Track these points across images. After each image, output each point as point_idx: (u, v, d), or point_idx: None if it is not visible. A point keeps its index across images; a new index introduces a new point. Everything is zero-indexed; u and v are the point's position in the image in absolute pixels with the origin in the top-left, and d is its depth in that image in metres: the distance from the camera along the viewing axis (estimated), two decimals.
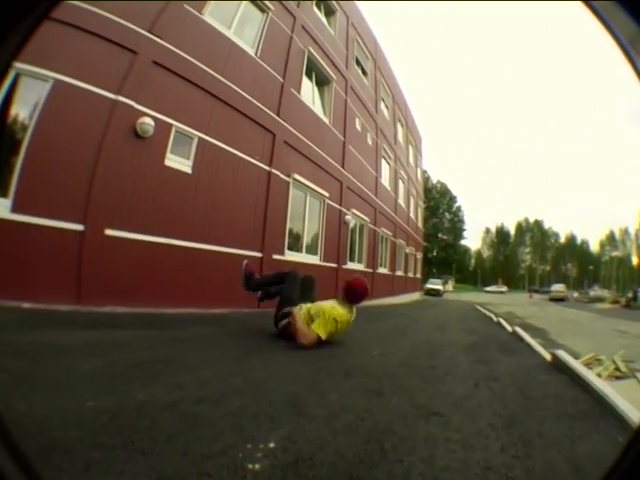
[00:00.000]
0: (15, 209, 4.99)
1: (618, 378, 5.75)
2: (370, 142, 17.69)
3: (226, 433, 1.74)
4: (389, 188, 21.05)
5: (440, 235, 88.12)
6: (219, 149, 7.88)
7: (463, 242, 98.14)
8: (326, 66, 13.05)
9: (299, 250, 10.98)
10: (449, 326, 9.02)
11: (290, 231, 10.37)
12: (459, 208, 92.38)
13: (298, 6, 11.41)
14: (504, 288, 79.25)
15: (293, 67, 10.90)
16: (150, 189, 6.50)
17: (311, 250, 11.64)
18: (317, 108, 12.68)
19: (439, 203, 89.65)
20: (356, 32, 16.73)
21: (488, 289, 77.32)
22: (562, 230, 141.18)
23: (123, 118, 6.11)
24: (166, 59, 6.84)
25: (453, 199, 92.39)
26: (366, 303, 5.72)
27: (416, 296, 28.79)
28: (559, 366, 3.94)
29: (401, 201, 24.00)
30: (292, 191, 10.36)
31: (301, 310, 4.45)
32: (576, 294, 56.41)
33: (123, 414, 1.83)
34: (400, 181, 23.86)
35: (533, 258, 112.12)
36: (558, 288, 52.41)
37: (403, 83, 30.97)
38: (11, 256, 4.82)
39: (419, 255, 31.54)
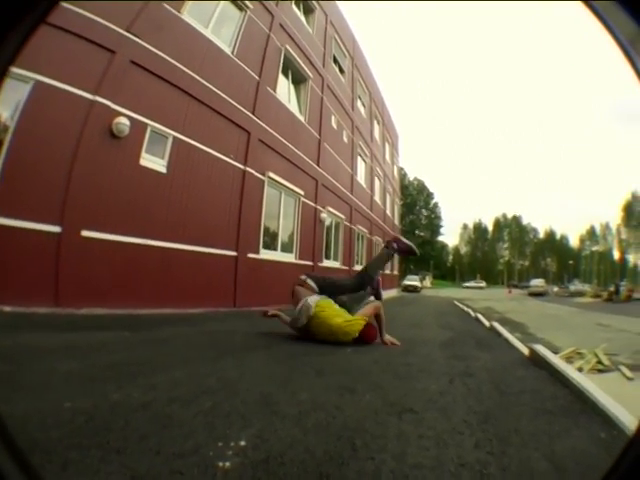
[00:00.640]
0: None
1: (601, 371, 5.64)
2: (346, 140, 17.79)
3: (198, 432, 1.77)
4: (365, 185, 21.20)
5: (417, 232, 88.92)
6: (194, 148, 7.88)
7: (440, 238, 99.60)
8: (303, 64, 13.08)
9: (274, 248, 11.02)
10: (426, 322, 8.93)
11: (265, 229, 10.39)
12: (436, 205, 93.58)
13: (277, 5, 11.43)
14: (483, 284, 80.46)
15: (269, 65, 10.92)
16: (125, 189, 6.49)
17: (286, 248, 11.69)
18: (293, 106, 12.72)
19: (416, 200, 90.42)
20: (334, 30, 16.78)
21: (466, 285, 78.50)
22: (541, 225, 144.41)
23: (100, 118, 6.10)
24: (144, 59, 6.83)
25: (430, 196, 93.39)
26: None
27: (393, 293, 28.89)
28: (537, 361, 3.90)
29: (377, 198, 24.21)
30: (267, 189, 10.38)
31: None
32: (556, 289, 57.58)
33: (98, 415, 1.88)
34: (376, 178, 24.06)
35: (511, 253, 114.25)
36: (537, 283, 53.24)
37: (381, 81, 31.29)
38: None
39: None
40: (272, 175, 10.50)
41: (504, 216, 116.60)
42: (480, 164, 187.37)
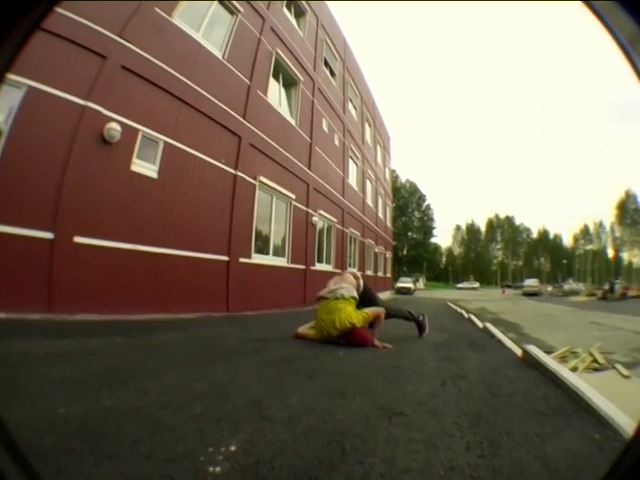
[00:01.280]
0: None
1: (597, 370, 5.58)
2: (337, 143, 17.84)
3: (189, 437, 1.79)
4: (357, 188, 21.26)
5: (410, 234, 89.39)
6: (185, 153, 7.89)
7: (433, 240, 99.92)
8: (293, 68, 13.12)
9: (267, 253, 11.03)
10: None
11: (257, 234, 10.40)
12: (428, 206, 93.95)
13: (268, 7, 11.46)
14: (476, 284, 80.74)
15: (260, 69, 10.95)
16: (117, 195, 6.48)
17: (278, 252, 11.70)
18: (284, 110, 12.74)
19: (408, 202, 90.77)
20: (325, 33, 16.86)
21: (460, 286, 78.68)
22: (534, 225, 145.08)
23: (91, 124, 6.10)
24: (134, 64, 6.84)
25: (422, 197, 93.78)
26: None
27: (387, 295, 28.97)
28: (530, 362, 3.90)
29: (369, 201, 24.27)
30: (258, 194, 10.39)
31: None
32: (550, 288, 57.12)
33: (91, 420, 1.90)
34: (368, 181, 24.13)
35: (505, 254, 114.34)
36: (531, 283, 53.11)
37: (372, 83, 31.40)
38: None
39: (389, 254, 31.89)
40: (263, 179, 10.51)
41: (497, 216, 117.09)
42: (473, 165, 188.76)
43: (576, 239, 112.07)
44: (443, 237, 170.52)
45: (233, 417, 2.09)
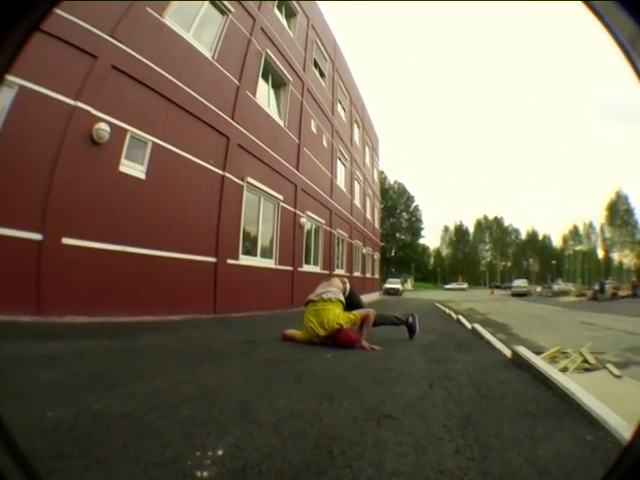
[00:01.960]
0: None
1: (587, 370, 5.60)
2: (326, 144, 17.88)
3: (176, 441, 1.79)
4: (345, 189, 21.31)
5: (398, 235, 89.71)
6: (172, 154, 7.86)
7: (421, 241, 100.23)
8: (283, 68, 13.13)
9: (254, 254, 11.02)
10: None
11: (245, 235, 10.39)
12: (417, 207, 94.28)
13: (259, 8, 11.46)
14: (465, 285, 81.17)
15: (249, 70, 10.95)
16: (105, 196, 6.45)
17: (266, 254, 11.70)
18: (272, 110, 12.73)
19: (396, 203, 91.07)
20: (316, 34, 16.90)
21: (448, 286, 79.18)
22: (523, 226, 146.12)
23: (80, 124, 6.06)
24: (125, 64, 6.81)
25: (411, 199, 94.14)
26: None
27: (375, 296, 28.97)
28: (520, 363, 3.89)
29: (357, 202, 24.34)
30: (246, 195, 10.38)
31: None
32: (539, 288, 57.58)
33: (80, 424, 1.90)
34: (356, 182, 24.21)
35: (493, 255, 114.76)
36: (520, 283, 53.55)
37: (361, 84, 31.58)
38: None
39: (377, 255, 31.99)
40: (251, 180, 10.50)
41: (485, 218, 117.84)
42: (462, 166, 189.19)
43: (565, 240, 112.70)
44: (431, 238, 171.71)
45: (220, 421, 2.09)
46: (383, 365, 3.93)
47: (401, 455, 1.75)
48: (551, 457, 1.76)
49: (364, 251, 25.91)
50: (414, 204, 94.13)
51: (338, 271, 19.07)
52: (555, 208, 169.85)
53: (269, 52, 12.06)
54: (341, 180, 20.78)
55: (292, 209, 13.32)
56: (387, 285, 44.77)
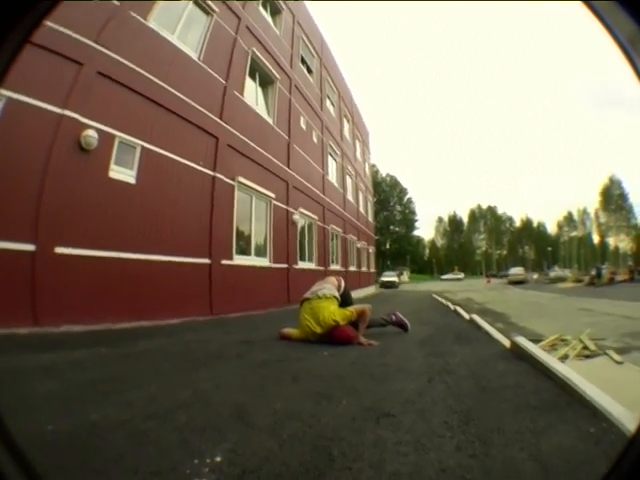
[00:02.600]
0: None
1: (588, 357, 5.42)
2: (316, 140, 17.84)
3: (174, 449, 1.79)
4: (337, 185, 21.31)
5: (392, 227, 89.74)
6: (162, 157, 7.83)
7: (416, 233, 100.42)
8: (270, 66, 13.10)
9: (248, 253, 11.02)
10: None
11: (238, 235, 10.37)
12: (410, 200, 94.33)
13: (244, 7, 11.41)
14: (461, 275, 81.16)
15: (236, 69, 10.91)
16: (96, 203, 6.42)
17: (260, 252, 11.70)
18: (261, 109, 12.70)
19: (389, 196, 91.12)
20: (302, 30, 16.84)
21: (444, 277, 79.07)
22: (517, 214, 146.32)
23: (68, 132, 6.03)
24: (110, 69, 6.77)
25: (403, 191, 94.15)
26: None
27: (371, 290, 28.94)
28: (519, 353, 3.84)
29: (350, 197, 24.36)
30: (237, 194, 10.36)
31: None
32: (536, 276, 56.90)
33: (78, 435, 1.90)
34: (348, 177, 24.22)
35: (488, 244, 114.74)
36: (516, 271, 52.75)
37: (349, 79, 31.50)
38: None
39: (371, 249, 32.06)
40: (242, 180, 10.47)
41: (479, 207, 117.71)
42: (453, 156, 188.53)
43: (560, 226, 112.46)
44: (426, 230, 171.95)
45: (217, 426, 2.08)
46: (381, 361, 3.92)
47: (401, 455, 1.74)
48: (555, 452, 1.74)
49: (359, 245, 25.96)
50: (407, 196, 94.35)
51: (334, 266, 19.12)
52: (548, 195, 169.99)
53: (255, 51, 12.02)
54: (333, 175, 20.77)
55: (284, 206, 13.30)
56: (383, 278, 44.86)
